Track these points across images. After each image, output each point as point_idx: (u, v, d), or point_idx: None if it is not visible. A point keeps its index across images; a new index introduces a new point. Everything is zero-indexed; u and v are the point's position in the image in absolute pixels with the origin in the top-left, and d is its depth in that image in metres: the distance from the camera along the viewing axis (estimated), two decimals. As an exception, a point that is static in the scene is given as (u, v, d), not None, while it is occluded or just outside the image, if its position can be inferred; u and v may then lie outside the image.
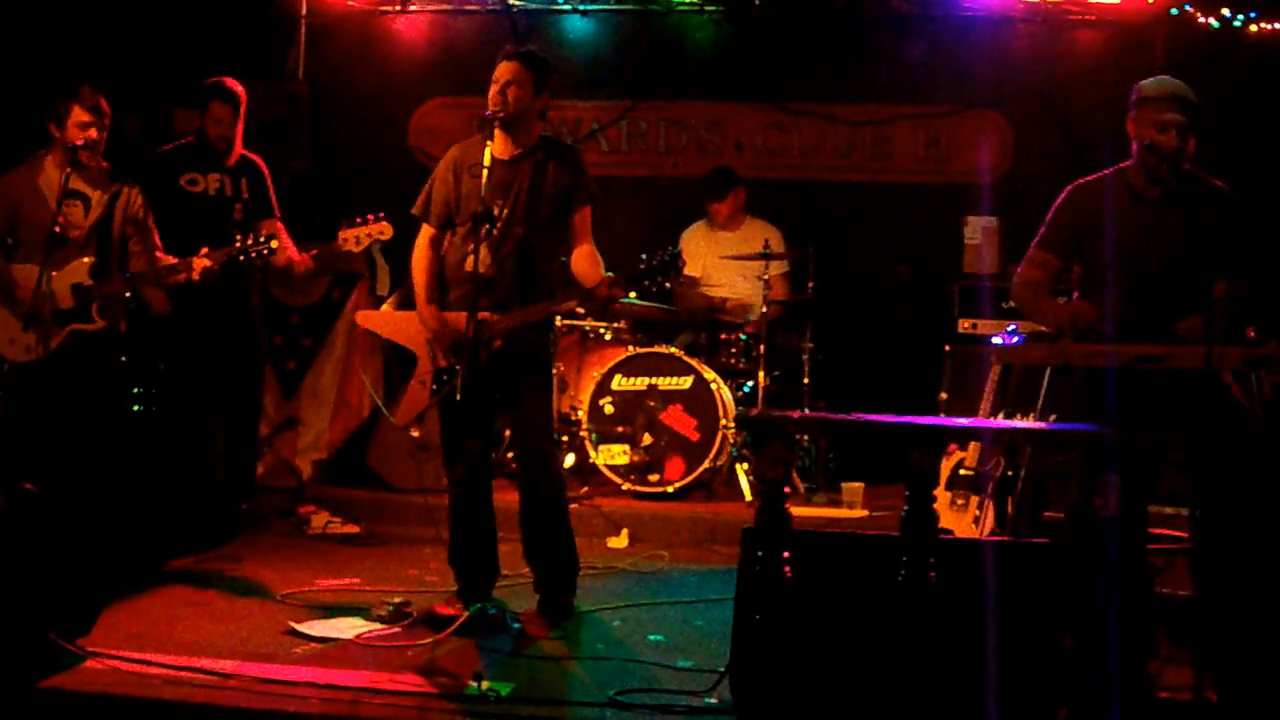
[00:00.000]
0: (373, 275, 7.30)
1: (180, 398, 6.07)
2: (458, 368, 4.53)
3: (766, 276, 7.03)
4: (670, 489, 6.70)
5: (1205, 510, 4.02)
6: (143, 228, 5.44)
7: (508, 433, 6.08)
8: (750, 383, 7.13)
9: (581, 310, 6.04)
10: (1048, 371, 4.48)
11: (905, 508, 3.57)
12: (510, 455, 6.38)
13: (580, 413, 6.86)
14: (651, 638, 4.58)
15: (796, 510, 3.84)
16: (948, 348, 6.73)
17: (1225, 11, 7.27)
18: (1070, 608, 3.44)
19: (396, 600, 4.70)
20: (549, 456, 4.85)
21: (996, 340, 6.18)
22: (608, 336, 7.18)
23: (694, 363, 6.83)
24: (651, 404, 6.76)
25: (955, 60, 7.82)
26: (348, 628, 4.49)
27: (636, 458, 6.74)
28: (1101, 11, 7.68)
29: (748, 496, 6.68)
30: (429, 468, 5.99)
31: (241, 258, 5.36)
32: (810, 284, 7.12)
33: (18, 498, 4.07)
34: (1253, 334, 4.44)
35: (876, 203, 8.04)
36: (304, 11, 8.15)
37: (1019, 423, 4.77)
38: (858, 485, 6.65)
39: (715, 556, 5.98)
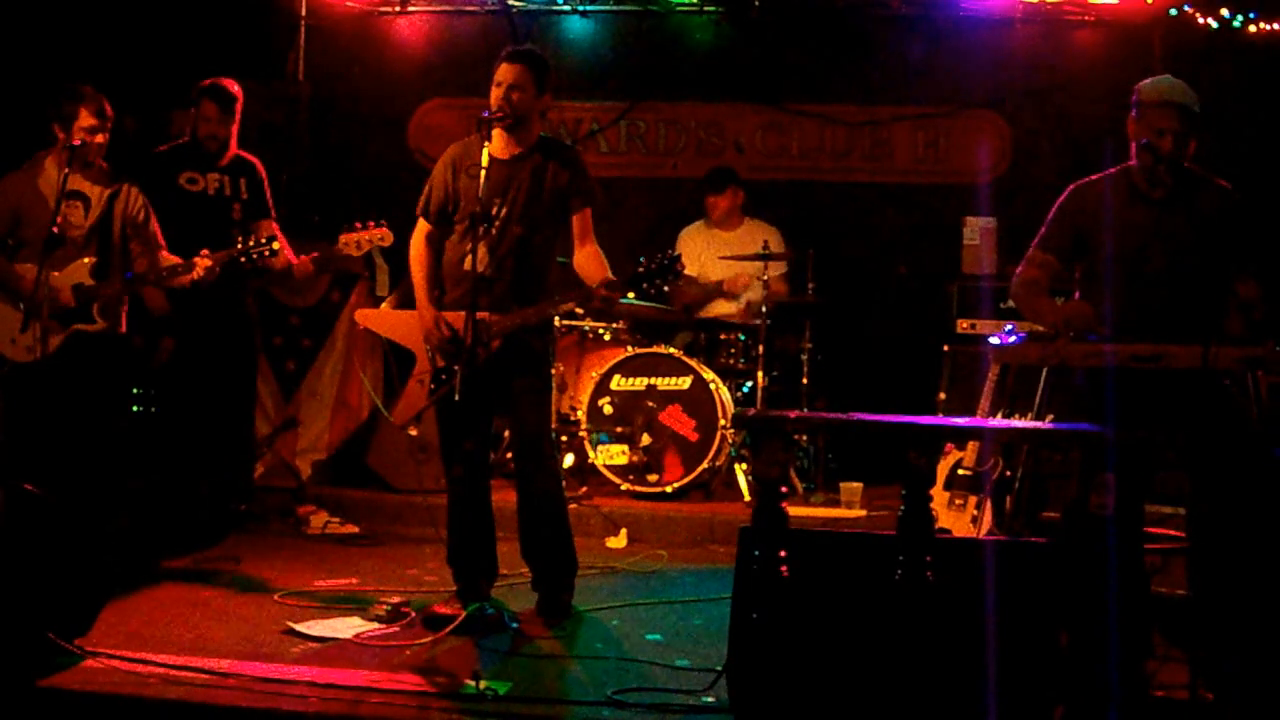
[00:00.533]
0: (372, 276, 7.31)
1: (179, 398, 6.08)
2: (456, 368, 4.54)
3: (765, 277, 7.04)
4: (669, 489, 6.70)
5: (1202, 509, 4.03)
6: (144, 228, 5.44)
7: (506, 433, 6.09)
8: (749, 383, 7.14)
9: (580, 311, 6.05)
10: (1045, 371, 4.48)
11: (902, 507, 3.58)
12: (509, 455, 6.38)
13: (579, 413, 6.87)
14: (649, 637, 4.58)
15: (795, 510, 3.86)
16: (946, 348, 6.74)
17: (1224, 11, 7.28)
18: (1067, 607, 3.44)
19: (395, 600, 4.70)
20: (548, 457, 4.85)
21: (995, 340, 6.18)
22: (607, 337, 7.18)
23: (693, 363, 6.83)
24: (650, 404, 6.77)
25: (954, 60, 7.84)
26: (346, 627, 4.50)
27: (635, 458, 6.74)
28: (1100, 12, 7.69)
29: (746, 496, 6.68)
30: (428, 468, 6.01)
31: (243, 259, 5.37)
32: (809, 284, 7.13)
33: (18, 498, 4.07)
34: None
35: (875, 203, 8.05)
36: (304, 12, 8.17)
37: (1017, 422, 4.77)
38: (856, 485, 6.65)
39: (713, 556, 5.98)
